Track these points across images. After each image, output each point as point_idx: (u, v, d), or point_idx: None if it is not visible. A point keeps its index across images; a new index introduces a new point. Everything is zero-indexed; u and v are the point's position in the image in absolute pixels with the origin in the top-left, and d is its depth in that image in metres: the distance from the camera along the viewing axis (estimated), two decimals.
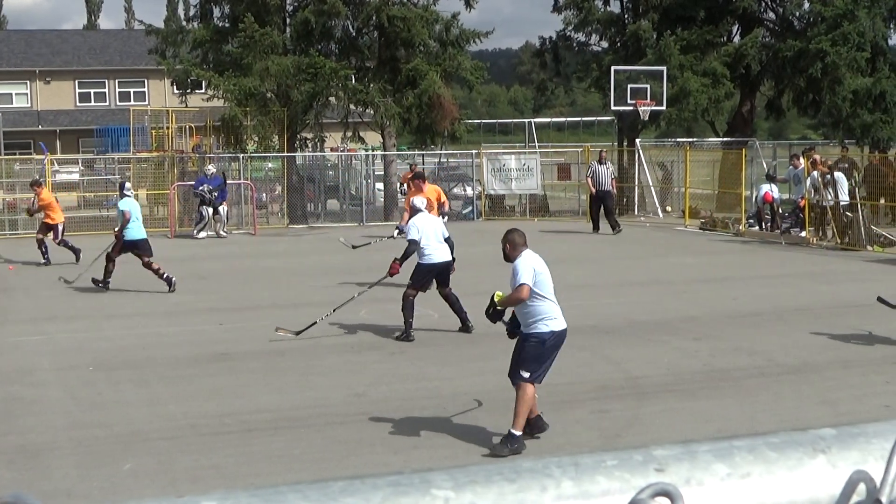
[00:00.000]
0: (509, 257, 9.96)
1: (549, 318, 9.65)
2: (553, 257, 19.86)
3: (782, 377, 12.35)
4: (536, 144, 41.11)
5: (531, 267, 9.66)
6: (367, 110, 35.33)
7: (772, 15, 40.16)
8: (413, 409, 11.18)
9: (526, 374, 9.61)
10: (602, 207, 28.67)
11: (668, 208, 35.38)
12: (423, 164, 37.81)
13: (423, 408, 11.25)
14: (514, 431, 9.58)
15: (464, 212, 34.67)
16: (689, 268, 22.13)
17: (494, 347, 14.26)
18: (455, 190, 37.37)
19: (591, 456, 0.83)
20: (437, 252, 14.78)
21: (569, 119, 59.88)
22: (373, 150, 38.81)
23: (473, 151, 36.43)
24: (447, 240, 15.23)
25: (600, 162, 28.83)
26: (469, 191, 35.61)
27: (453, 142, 38.25)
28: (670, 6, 37.26)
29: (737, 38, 39.46)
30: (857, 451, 0.83)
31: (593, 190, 28.54)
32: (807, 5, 38.38)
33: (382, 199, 36.48)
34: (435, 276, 15.05)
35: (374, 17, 34.11)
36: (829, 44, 35.24)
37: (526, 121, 45.89)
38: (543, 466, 0.82)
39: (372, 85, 34.41)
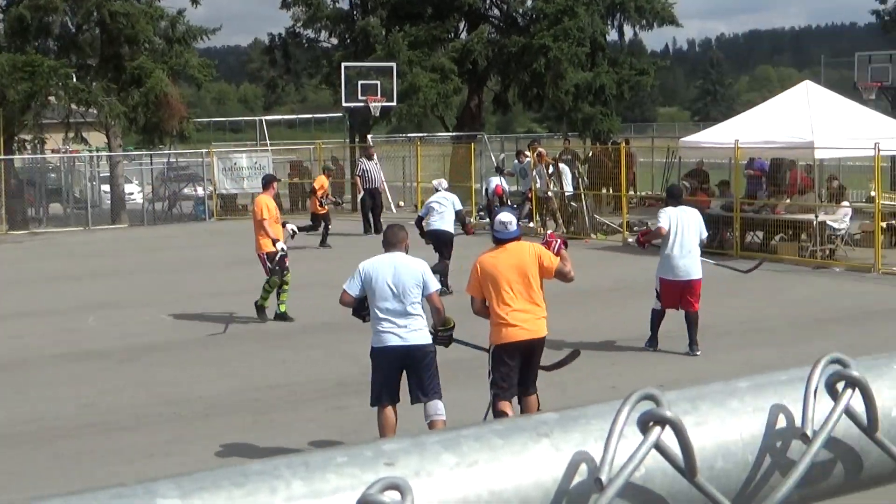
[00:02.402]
0: None
1: (374, 329, 9.11)
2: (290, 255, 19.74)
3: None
4: (268, 142, 40.81)
5: (360, 270, 9.21)
6: (91, 110, 34.17)
7: (497, 11, 41.25)
8: (147, 417, 10.92)
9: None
10: (373, 205, 28.32)
11: (402, 203, 35.81)
12: (152, 164, 36.90)
13: (157, 415, 11.00)
14: None
15: (195, 212, 34.13)
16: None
17: (229, 349, 14.10)
18: (186, 190, 36.64)
19: (321, 454, 0.82)
20: None
21: (300, 116, 59.77)
22: (98, 151, 37.59)
23: (204, 150, 35.84)
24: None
25: (370, 158, 28.84)
26: (200, 191, 34.98)
27: (182, 141, 37.51)
28: (398, 3, 37.72)
29: (464, 35, 40.33)
30: (578, 434, 0.85)
31: (362, 189, 28.55)
32: (529, 2, 39.60)
33: (109, 202, 35.37)
34: None
35: (95, 13, 33.00)
36: (551, 39, 36.46)
37: (257, 118, 45.49)
38: (273, 468, 0.81)
39: (95, 83, 33.30)
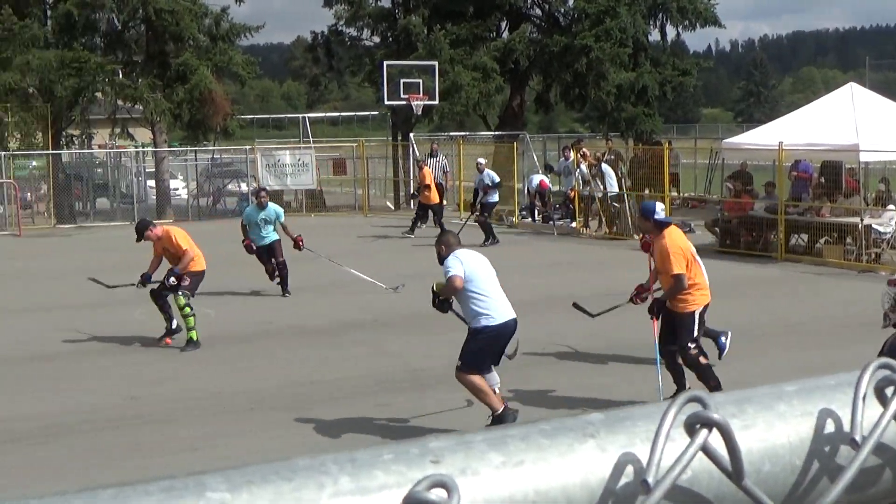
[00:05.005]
0: (442, 258, 10.09)
1: (484, 312, 9.81)
2: (331, 251, 19.81)
3: (556, 365, 12.69)
4: (311, 139, 40.95)
5: (460, 261, 9.85)
6: (137, 106, 34.46)
7: (538, 11, 41.18)
8: (190, 410, 10.99)
9: (458, 363, 9.87)
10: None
11: (444, 202, 35.82)
12: (196, 160, 37.15)
13: (201, 408, 11.07)
14: (494, 414, 9.80)
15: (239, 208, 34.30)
16: None
17: (273, 345, 14.17)
18: (230, 186, 36.88)
19: (368, 451, 0.82)
20: None
21: (343, 114, 59.97)
22: (143, 147, 37.89)
23: (247, 147, 36.03)
24: None
25: (433, 154, 28.94)
26: (244, 187, 35.18)
27: (226, 137, 37.72)
28: (440, 1, 37.72)
29: (505, 34, 40.29)
30: (624, 435, 0.85)
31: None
32: (571, 2, 39.48)
33: (154, 197, 35.67)
34: None
35: (140, 11, 33.26)
36: (593, 39, 36.36)
37: (300, 116, 45.66)
38: (320, 464, 0.81)
39: (140, 80, 33.55)
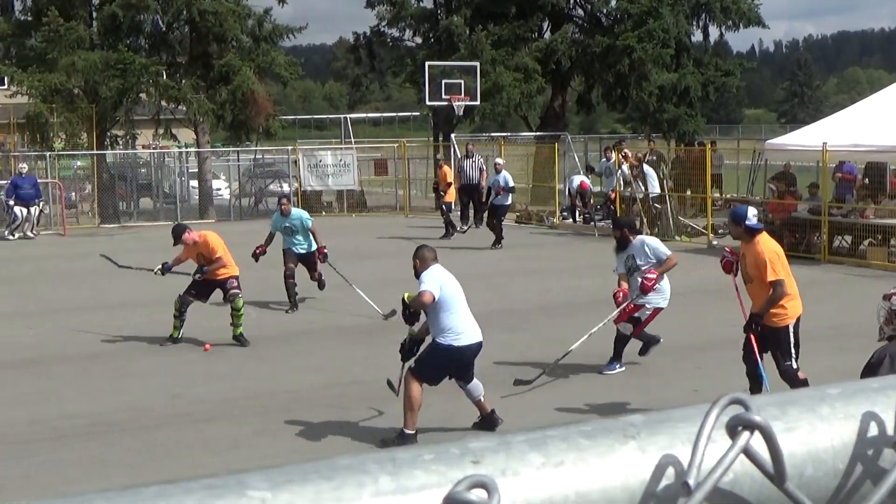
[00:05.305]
0: (418, 272, 10.02)
1: (453, 331, 9.82)
2: (371, 252, 19.84)
3: (594, 367, 12.64)
4: (353, 140, 41.07)
5: (435, 279, 9.85)
6: (180, 107, 34.69)
7: (580, 11, 41.09)
8: (232, 409, 11.05)
9: (412, 366, 9.91)
10: (471, 202, 27.91)
11: (484, 200, 35.80)
12: (238, 161, 37.35)
13: (242, 407, 11.13)
14: (404, 432, 9.75)
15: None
16: (505, 260, 22.46)
17: (312, 345, 14.21)
18: (271, 186, 37.03)
19: (407, 451, 0.83)
20: None
21: (384, 114, 60.08)
22: (186, 148, 38.12)
23: (289, 147, 36.16)
24: None
25: (468, 156, 28.61)
26: (285, 187, 35.31)
27: (268, 138, 37.88)
28: (482, 2, 37.74)
29: (547, 34, 40.23)
30: (665, 436, 0.85)
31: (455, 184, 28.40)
32: (613, 2, 39.38)
33: (197, 198, 35.89)
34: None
35: (184, 12, 33.49)
36: (635, 40, 36.24)
37: (341, 116, 45.79)
38: (360, 463, 0.81)
39: (184, 81, 33.77)
